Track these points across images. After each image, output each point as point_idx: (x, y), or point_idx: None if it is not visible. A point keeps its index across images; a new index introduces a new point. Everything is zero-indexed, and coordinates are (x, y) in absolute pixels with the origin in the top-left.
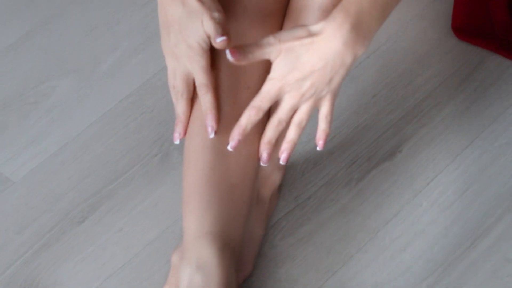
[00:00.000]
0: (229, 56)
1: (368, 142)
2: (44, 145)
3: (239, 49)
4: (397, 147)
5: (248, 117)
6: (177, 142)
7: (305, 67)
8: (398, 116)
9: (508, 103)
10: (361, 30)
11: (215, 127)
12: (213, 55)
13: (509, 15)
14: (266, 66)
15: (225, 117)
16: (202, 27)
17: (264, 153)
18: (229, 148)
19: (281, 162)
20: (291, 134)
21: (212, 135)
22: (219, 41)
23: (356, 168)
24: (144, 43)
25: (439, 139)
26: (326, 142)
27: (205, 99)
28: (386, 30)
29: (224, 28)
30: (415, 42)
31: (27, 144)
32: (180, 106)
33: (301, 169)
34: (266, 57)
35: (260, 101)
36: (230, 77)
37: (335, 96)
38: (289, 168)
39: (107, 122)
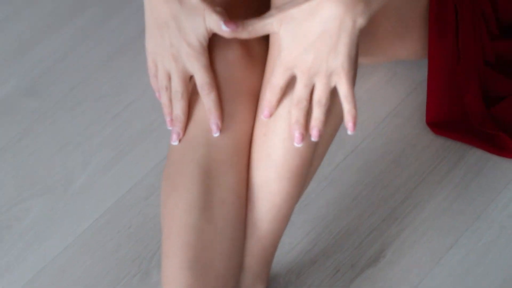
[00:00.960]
0: (223, 26)
1: (351, 248)
2: (19, 272)
3: (238, 22)
4: (381, 251)
5: (271, 93)
6: (175, 143)
7: (306, 36)
8: (379, 218)
9: (490, 198)
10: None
11: (220, 125)
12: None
13: (484, 105)
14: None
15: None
16: (204, 23)
17: (296, 133)
18: (263, 117)
19: (312, 139)
20: (315, 113)
21: (217, 134)
22: (227, 28)
23: (340, 276)
24: (116, 156)
25: (422, 241)
26: (355, 124)
27: (209, 98)
28: (362, 129)
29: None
30: (392, 140)
31: (1, 273)
32: (180, 106)
33: (284, 281)
34: (268, 28)
35: (275, 78)
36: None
37: (349, 73)
38: (272, 280)
39: (83, 244)
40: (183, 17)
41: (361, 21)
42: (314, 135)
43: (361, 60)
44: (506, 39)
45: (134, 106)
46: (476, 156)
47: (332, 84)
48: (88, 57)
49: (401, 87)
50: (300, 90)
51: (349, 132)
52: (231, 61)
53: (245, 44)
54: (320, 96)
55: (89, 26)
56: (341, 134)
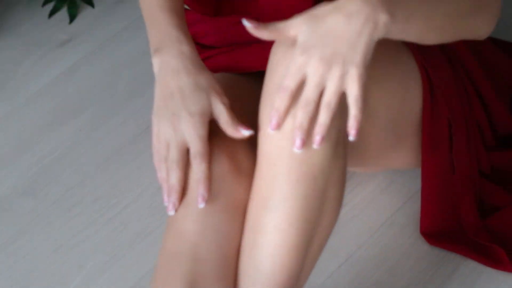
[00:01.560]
0: (245, 23)
1: None
2: None
3: (260, 24)
4: None
5: (280, 99)
6: (172, 212)
7: (327, 31)
8: None
9: None
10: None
11: (206, 197)
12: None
13: (479, 216)
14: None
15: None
16: (208, 101)
17: (297, 140)
18: (271, 129)
19: (314, 146)
20: (322, 116)
21: (202, 205)
22: (249, 24)
23: None
24: (111, 259)
25: None
26: (358, 130)
27: (200, 168)
28: (357, 238)
29: (235, 118)
30: (386, 250)
31: None
32: (175, 176)
33: None
34: (289, 29)
35: (287, 80)
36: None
37: (362, 75)
38: None
39: None
40: (189, 89)
41: (384, 21)
42: (317, 142)
43: (355, 169)
44: (502, 150)
45: (129, 209)
46: (471, 267)
47: (344, 87)
48: (86, 158)
49: (397, 195)
50: (310, 91)
51: (351, 137)
52: (219, 175)
53: (233, 158)
54: (330, 99)
55: (88, 127)
56: (335, 243)
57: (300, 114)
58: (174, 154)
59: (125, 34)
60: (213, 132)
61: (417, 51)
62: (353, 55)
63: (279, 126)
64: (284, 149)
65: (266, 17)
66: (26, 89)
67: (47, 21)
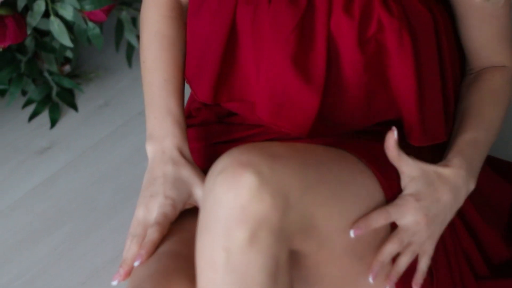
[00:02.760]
0: (395, 133)
1: None
2: None
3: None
4: None
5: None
6: (115, 283)
7: (437, 191)
8: None
9: None
10: (472, 170)
11: (144, 259)
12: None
13: None
14: None
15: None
16: (186, 190)
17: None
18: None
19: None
20: (423, 264)
21: (137, 263)
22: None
23: None
24: None
25: None
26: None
27: (152, 235)
28: None
29: None
30: None
31: None
32: (132, 250)
33: None
34: (405, 164)
35: (392, 213)
36: None
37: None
38: None
39: None
40: (171, 178)
41: (472, 188)
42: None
43: None
44: (495, 280)
45: None
46: None
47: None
48: (60, 282)
49: None
50: (405, 235)
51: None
52: None
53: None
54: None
55: (64, 245)
56: None
57: (405, 259)
58: (138, 230)
59: (108, 142)
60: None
61: (381, 175)
62: (441, 227)
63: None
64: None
65: (262, 103)
66: None
67: (26, 125)
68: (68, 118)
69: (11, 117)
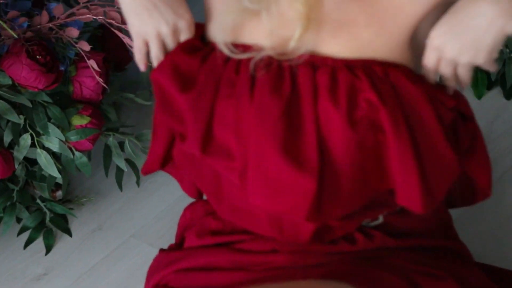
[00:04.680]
0: None
1: None
2: None
3: None
4: None
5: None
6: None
7: (469, 18)
8: None
9: None
10: None
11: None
12: None
13: None
14: None
15: None
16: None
17: None
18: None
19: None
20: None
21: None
22: None
23: None
24: None
25: None
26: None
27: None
28: None
29: None
30: None
31: None
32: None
33: None
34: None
35: (426, 58)
36: None
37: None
38: None
39: None
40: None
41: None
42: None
43: None
44: None
45: None
46: None
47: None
48: None
49: None
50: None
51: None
52: None
53: None
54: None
55: None
56: None
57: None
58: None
59: (103, 266)
60: None
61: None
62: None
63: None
64: None
65: (256, 191)
66: None
67: (22, 252)
68: (63, 243)
69: (6, 245)
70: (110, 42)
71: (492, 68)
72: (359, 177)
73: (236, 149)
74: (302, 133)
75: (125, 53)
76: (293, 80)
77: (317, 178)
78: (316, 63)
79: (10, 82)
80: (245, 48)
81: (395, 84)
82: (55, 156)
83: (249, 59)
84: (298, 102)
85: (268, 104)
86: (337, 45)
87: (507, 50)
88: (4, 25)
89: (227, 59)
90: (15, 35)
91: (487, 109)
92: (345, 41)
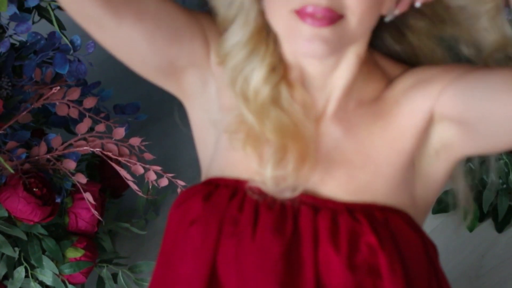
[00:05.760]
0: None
1: None
2: None
3: None
4: None
5: None
6: None
7: None
8: None
9: None
10: None
11: None
12: None
13: None
14: None
15: None
16: None
17: None
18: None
19: None
20: None
21: None
22: None
23: None
24: None
25: None
26: None
27: None
28: None
29: None
30: None
31: None
32: None
33: None
34: None
35: None
36: None
37: None
38: None
39: None
40: None
41: None
42: None
43: None
44: None
45: None
46: None
47: None
48: None
49: None
50: None
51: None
52: None
53: None
54: None
55: None
56: None
57: None
58: None
59: None
60: None
61: None
62: None
63: None
64: None
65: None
66: None
67: None
68: None
69: None
70: (107, 170)
71: None
72: None
73: (236, 286)
74: (301, 276)
75: (122, 181)
76: (295, 221)
77: None
78: (317, 205)
79: (7, 215)
80: (242, 183)
81: (394, 231)
82: None
83: (253, 198)
84: (299, 244)
85: (269, 243)
86: (336, 187)
87: (500, 181)
88: (2, 161)
89: (232, 196)
90: (11, 170)
91: (478, 242)
92: (344, 183)
